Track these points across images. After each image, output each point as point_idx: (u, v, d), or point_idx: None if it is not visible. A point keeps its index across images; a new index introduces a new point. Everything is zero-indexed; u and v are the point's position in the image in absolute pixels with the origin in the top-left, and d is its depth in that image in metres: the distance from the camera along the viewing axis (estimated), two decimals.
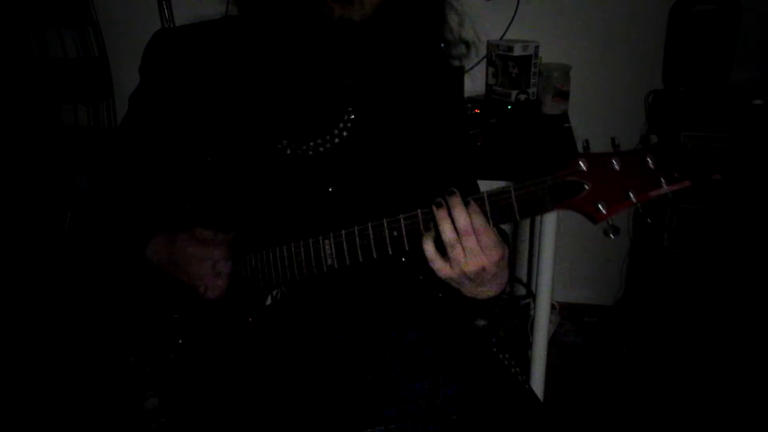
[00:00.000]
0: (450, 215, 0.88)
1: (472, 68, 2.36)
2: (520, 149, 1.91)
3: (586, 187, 0.82)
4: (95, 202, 1.17)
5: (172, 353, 1.10)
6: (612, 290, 2.61)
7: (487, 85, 2.26)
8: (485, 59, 2.30)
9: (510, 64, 2.13)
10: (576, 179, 0.82)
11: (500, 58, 2.17)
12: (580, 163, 0.82)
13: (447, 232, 0.88)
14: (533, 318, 1.91)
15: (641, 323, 2.37)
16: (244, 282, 1.08)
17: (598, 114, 2.34)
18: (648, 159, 0.79)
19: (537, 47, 2.12)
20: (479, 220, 0.87)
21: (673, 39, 2.17)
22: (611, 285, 2.60)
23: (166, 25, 2.13)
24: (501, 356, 1.15)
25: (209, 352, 1.10)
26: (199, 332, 1.11)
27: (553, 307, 2.38)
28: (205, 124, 1.08)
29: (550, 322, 2.13)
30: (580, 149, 0.86)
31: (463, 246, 0.88)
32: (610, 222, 0.84)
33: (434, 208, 0.88)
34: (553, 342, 2.40)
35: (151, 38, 1.11)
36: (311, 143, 1.08)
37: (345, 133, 1.09)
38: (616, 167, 0.80)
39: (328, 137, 1.09)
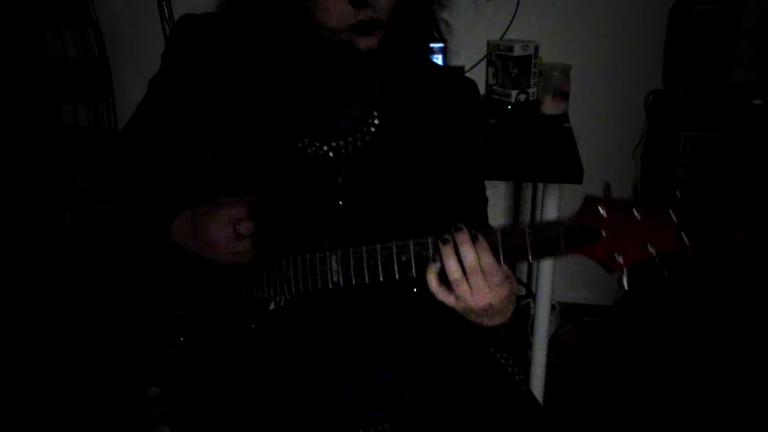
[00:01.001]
0: (456, 252, 0.86)
1: (472, 68, 2.37)
2: (520, 149, 1.91)
3: (604, 234, 0.79)
4: (111, 187, 1.16)
5: (173, 349, 1.10)
6: (612, 290, 2.60)
7: (487, 85, 2.26)
8: (485, 59, 2.30)
9: (510, 64, 2.13)
10: (594, 225, 0.80)
11: (500, 58, 2.16)
12: (600, 209, 0.79)
13: (453, 270, 0.86)
14: (533, 318, 1.91)
15: (641, 323, 2.37)
16: (247, 290, 1.07)
17: (598, 114, 2.35)
18: (670, 212, 0.76)
19: (537, 47, 2.12)
20: (488, 259, 0.86)
21: (673, 39, 2.17)
22: (611, 285, 2.59)
23: (166, 26, 2.14)
24: (498, 356, 1.15)
25: (209, 352, 1.10)
26: (201, 332, 1.11)
27: (553, 307, 2.38)
28: (225, 115, 1.08)
29: (550, 322, 2.13)
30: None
31: (470, 284, 0.86)
32: (625, 272, 0.81)
33: (440, 244, 0.87)
34: (553, 342, 2.40)
35: (177, 22, 1.10)
36: (333, 143, 1.08)
37: (368, 138, 1.08)
38: (638, 217, 0.77)
39: (350, 139, 1.08)
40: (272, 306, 1.05)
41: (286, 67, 1.04)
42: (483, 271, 0.86)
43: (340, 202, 1.04)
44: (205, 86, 1.08)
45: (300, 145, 1.08)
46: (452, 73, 1.16)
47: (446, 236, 0.87)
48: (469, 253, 0.86)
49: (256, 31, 1.02)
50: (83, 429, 1.10)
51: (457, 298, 0.88)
